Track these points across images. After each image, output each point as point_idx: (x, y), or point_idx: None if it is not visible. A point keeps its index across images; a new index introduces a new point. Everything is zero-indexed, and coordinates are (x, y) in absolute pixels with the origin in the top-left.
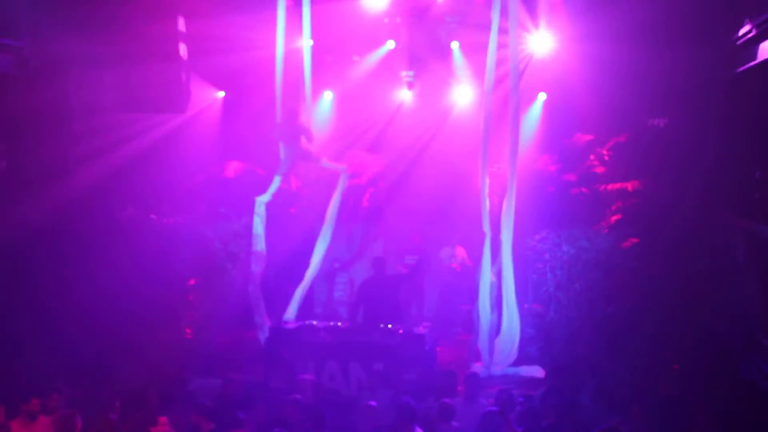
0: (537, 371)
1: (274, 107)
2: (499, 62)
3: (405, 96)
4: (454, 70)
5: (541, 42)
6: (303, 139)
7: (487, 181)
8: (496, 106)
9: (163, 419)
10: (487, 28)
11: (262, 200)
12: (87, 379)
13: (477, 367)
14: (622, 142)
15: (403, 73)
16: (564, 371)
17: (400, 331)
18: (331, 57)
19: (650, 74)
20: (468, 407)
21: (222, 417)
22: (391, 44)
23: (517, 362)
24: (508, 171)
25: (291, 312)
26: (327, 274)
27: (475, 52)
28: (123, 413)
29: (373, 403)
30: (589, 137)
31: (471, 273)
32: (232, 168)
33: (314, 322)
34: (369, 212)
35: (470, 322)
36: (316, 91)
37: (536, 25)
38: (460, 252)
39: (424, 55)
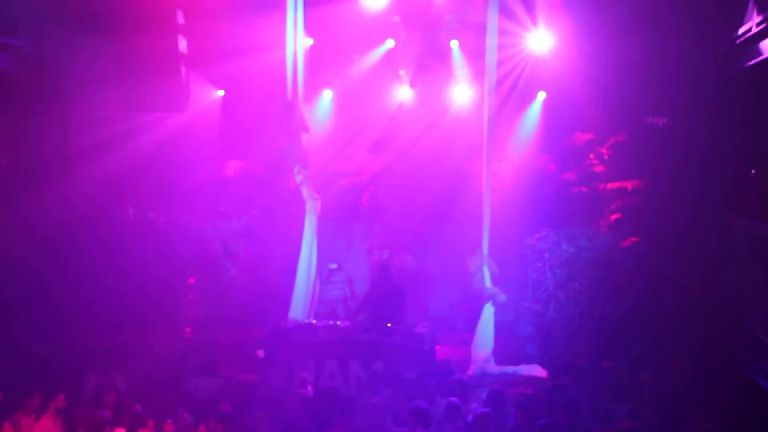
0: (536, 370)
1: (274, 106)
2: (499, 62)
3: (404, 95)
4: (453, 69)
5: (540, 41)
6: (304, 137)
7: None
8: (496, 104)
9: (151, 423)
10: (486, 27)
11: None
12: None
13: (471, 368)
14: (622, 141)
15: (403, 72)
16: (566, 370)
17: (400, 331)
18: (330, 56)
19: (649, 73)
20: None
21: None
22: (390, 43)
23: (517, 361)
24: (484, 173)
25: (297, 311)
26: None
27: (474, 52)
28: (117, 411)
29: (375, 400)
30: (588, 136)
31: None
32: (232, 167)
33: (313, 321)
34: (369, 211)
35: (471, 322)
36: (316, 90)
37: (535, 24)
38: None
39: (424, 54)
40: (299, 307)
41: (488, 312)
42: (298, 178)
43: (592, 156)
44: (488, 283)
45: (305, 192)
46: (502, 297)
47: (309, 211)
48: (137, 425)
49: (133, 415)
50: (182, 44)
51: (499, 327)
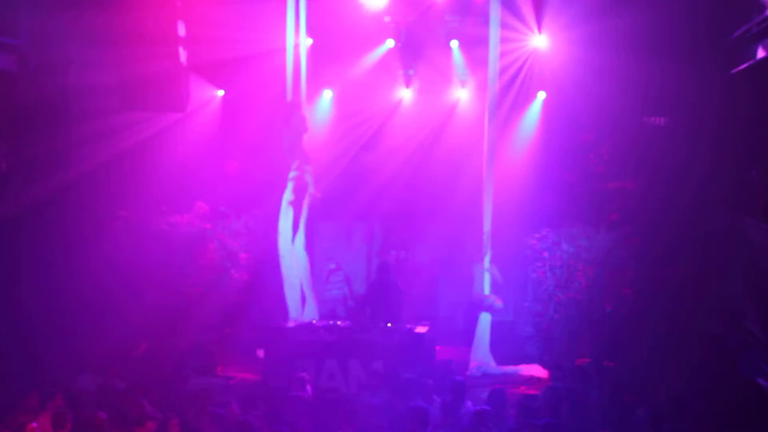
0: (537, 370)
1: (274, 106)
2: (500, 62)
3: (404, 94)
4: (453, 68)
5: (541, 42)
6: (305, 137)
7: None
8: (496, 104)
9: (151, 425)
10: (487, 26)
11: (286, 198)
12: (86, 377)
13: (471, 368)
14: (622, 141)
15: (402, 72)
16: (569, 370)
17: (400, 330)
18: (330, 55)
19: (650, 73)
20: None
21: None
22: (390, 43)
23: (517, 361)
24: (485, 173)
25: (296, 311)
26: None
27: (474, 51)
28: (113, 412)
29: (375, 400)
30: (588, 136)
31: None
32: (232, 166)
33: (314, 321)
34: (369, 211)
35: (471, 322)
36: (317, 90)
37: (536, 25)
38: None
39: (424, 54)
40: (295, 305)
41: (485, 318)
42: (293, 174)
43: (592, 156)
44: (487, 290)
45: (293, 186)
46: (499, 305)
47: (302, 206)
48: (136, 425)
49: (132, 415)
50: (182, 44)
51: (499, 327)
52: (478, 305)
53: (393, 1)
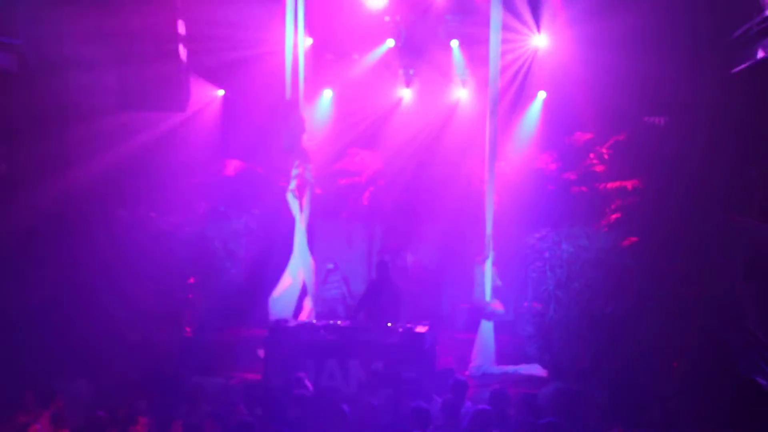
0: (536, 369)
1: (274, 106)
2: (500, 61)
3: (404, 94)
4: (453, 68)
5: (541, 41)
6: (304, 138)
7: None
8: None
9: (143, 419)
10: (487, 26)
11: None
12: (86, 376)
13: (471, 368)
14: (622, 141)
15: (402, 71)
16: (568, 370)
17: (400, 330)
18: (330, 55)
19: (649, 73)
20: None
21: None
22: (390, 42)
23: (517, 361)
24: (486, 173)
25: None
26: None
27: (475, 51)
28: (111, 411)
29: (374, 401)
30: (588, 136)
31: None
32: (232, 166)
33: (313, 321)
34: (369, 211)
35: (471, 322)
36: (316, 89)
37: (537, 25)
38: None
39: (424, 53)
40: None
41: (487, 326)
42: (295, 171)
43: (592, 155)
44: (488, 295)
45: (296, 185)
46: (500, 311)
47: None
48: (129, 423)
49: (126, 413)
50: (182, 43)
51: (499, 327)
52: (479, 311)
53: (393, 1)
